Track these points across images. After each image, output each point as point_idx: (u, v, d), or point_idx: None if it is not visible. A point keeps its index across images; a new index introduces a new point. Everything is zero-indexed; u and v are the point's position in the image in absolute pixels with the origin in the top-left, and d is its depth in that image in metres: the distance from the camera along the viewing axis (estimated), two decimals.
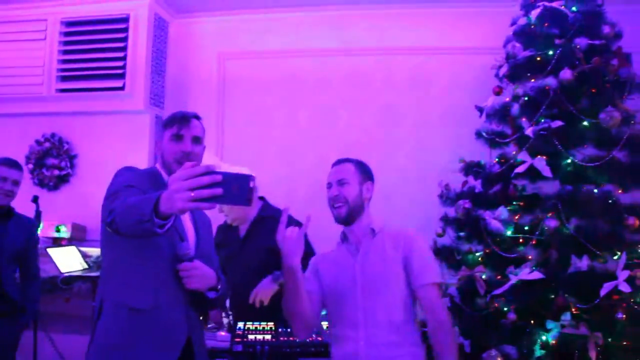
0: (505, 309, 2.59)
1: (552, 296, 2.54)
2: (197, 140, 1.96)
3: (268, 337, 2.44)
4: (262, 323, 2.54)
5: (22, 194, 3.53)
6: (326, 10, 4.13)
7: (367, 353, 1.89)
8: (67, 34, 4.15)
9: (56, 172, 4.13)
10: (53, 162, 4.16)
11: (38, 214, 3.55)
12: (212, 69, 4.34)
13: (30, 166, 4.15)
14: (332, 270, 2.05)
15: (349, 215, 2.01)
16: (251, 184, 1.26)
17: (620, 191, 2.70)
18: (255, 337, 2.42)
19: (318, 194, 3.86)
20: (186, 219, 1.95)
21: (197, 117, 1.99)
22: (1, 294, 2.89)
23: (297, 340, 2.40)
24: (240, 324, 2.55)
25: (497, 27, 3.32)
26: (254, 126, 4.22)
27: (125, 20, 4.04)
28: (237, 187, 1.25)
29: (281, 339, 2.44)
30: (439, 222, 3.31)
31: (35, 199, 3.57)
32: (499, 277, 2.74)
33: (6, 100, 4.22)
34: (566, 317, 2.43)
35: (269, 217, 2.82)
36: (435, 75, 4.01)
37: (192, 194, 1.24)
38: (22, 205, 3.45)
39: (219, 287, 1.90)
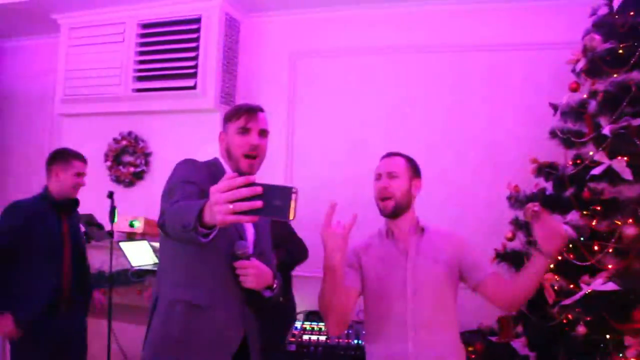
0: (576, 321, 2.41)
1: (631, 310, 2.33)
2: (264, 133, 1.94)
3: (323, 338, 2.41)
4: (318, 323, 2.52)
5: (100, 190, 3.72)
6: (397, 7, 4.04)
7: (416, 353, 1.85)
8: (143, 35, 4.32)
9: (132, 169, 4.32)
10: (129, 160, 4.35)
11: (113, 209, 3.71)
12: (282, 67, 4.36)
13: (109, 163, 4.36)
14: (378, 266, 1.99)
15: (395, 209, 1.97)
16: (293, 197, 1.20)
17: None
18: (310, 338, 2.40)
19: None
20: None
21: (262, 110, 1.98)
22: (82, 283, 3.05)
23: (353, 343, 2.36)
24: (298, 324, 2.54)
25: (575, 19, 3.11)
26: (324, 125, 4.20)
27: (198, 20, 4.13)
28: (278, 200, 1.20)
29: (336, 340, 2.40)
30: (509, 226, 3.15)
31: (110, 195, 3.72)
32: (571, 285, 2.55)
33: (87, 100, 4.46)
34: None
35: None
36: (508, 72, 3.82)
37: (231, 207, 1.19)
38: (98, 200, 3.64)
39: (275, 285, 1.89)
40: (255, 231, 1.95)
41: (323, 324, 2.57)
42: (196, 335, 1.77)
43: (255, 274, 1.79)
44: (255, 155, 1.90)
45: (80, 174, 3.01)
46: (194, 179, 1.76)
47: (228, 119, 1.95)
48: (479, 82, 3.89)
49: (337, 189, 3.88)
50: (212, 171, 1.88)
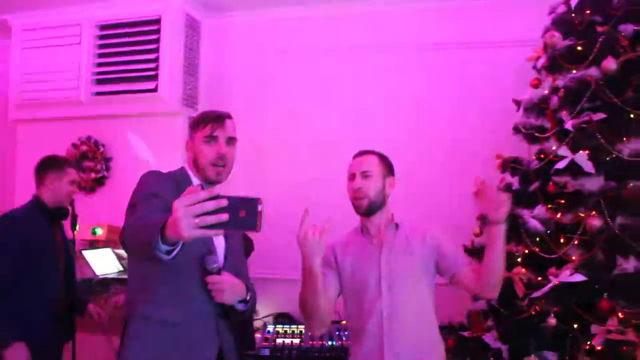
0: (546, 312, 2.46)
1: (597, 299, 2.39)
2: (232, 141, 1.92)
3: (297, 341, 2.39)
4: (292, 326, 2.50)
5: None
6: (358, 6, 4.05)
7: (392, 350, 1.87)
8: (100, 37, 4.21)
9: (92, 174, 4.19)
10: (89, 165, 4.22)
11: (74, 216, 3.60)
12: (246, 67, 4.31)
13: None
14: (354, 263, 2.01)
15: (369, 208, 1.99)
16: (259, 208, 1.18)
17: None
18: (284, 342, 2.37)
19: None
20: None
21: (230, 117, 1.95)
22: (73, 295, 2.95)
23: (327, 345, 2.35)
24: (270, 327, 2.51)
25: (533, 17, 3.17)
26: (290, 125, 4.16)
27: (157, 21, 4.05)
28: (244, 212, 1.17)
29: (310, 343, 2.38)
30: (476, 221, 3.19)
31: (71, 202, 3.60)
32: (539, 278, 2.60)
33: (43, 105, 4.31)
34: (612, 322, 2.28)
35: None
36: (470, 70, 3.87)
37: (197, 221, 1.16)
38: None
39: (249, 298, 1.87)
40: (226, 243, 1.92)
41: (295, 326, 2.54)
42: (172, 353, 1.74)
43: (227, 288, 1.77)
44: (223, 164, 1.88)
45: (74, 182, 2.93)
46: (158, 191, 1.71)
47: (194, 126, 1.92)
48: (440, 80, 3.93)
49: (307, 190, 3.86)
50: (178, 182, 1.84)
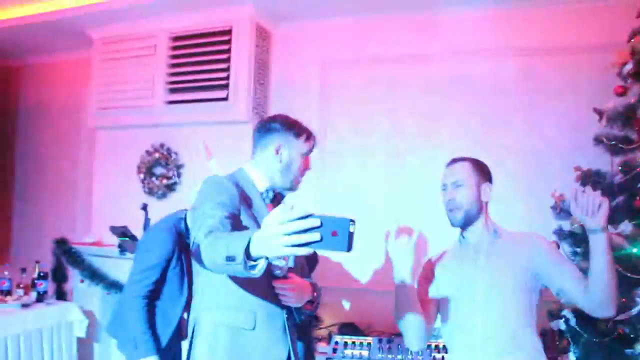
0: (633, 337, 2.30)
1: None
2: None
3: (365, 352, 2.35)
4: (359, 337, 2.46)
5: (133, 202, 3.72)
6: (429, 14, 3.96)
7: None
8: (174, 47, 4.33)
9: (164, 181, 4.31)
10: (161, 172, 4.35)
11: (147, 221, 3.71)
12: (313, 76, 4.31)
13: (141, 175, 4.37)
14: (450, 274, 1.93)
15: (465, 219, 1.89)
16: (351, 229, 1.17)
17: None
18: (352, 353, 2.33)
19: (424, 200, 3.77)
20: None
21: None
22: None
23: (396, 358, 2.30)
24: (338, 338, 2.48)
25: (617, 21, 3.01)
26: (357, 133, 4.14)
27: (229, 32, 4.12)
28: (336, 232, 1.16)
29: (378, 356, 2.33)
30: (552, 236, 3.04)
31: (144, 207, 3.73)
32: (623, 300, 2.44)
33: (120, 113, 4.49)
34: None
35: None
36: (546, 77, 3.68)
37: (289, 239, 1.17)
38: (132, 212, 3.64)
39: (316, 296, 1.90)
40: None
41: (363, 338, 2.50)
42: (242, 358, 1.76)
43: (295, 291, 1.80)
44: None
45: None
46: (223, 200, 1.73)
47: (297, 134, 1.96)
48: (515, 88, 3.77)
49: (371, 197, 3.83)
50: (239, 185, 1.86)
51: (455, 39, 3.92)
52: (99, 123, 4.65)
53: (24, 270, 3.95)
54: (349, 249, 1.17)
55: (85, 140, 5.00)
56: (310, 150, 1.98)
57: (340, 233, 1.16)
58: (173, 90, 4.30)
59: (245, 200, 1.82)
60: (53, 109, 5.32)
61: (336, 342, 2.44)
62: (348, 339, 2.47)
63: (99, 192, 4.56)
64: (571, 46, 3.61)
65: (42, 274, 3.86)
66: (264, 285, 1.78)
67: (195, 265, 1.91)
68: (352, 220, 1.17)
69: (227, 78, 4.10)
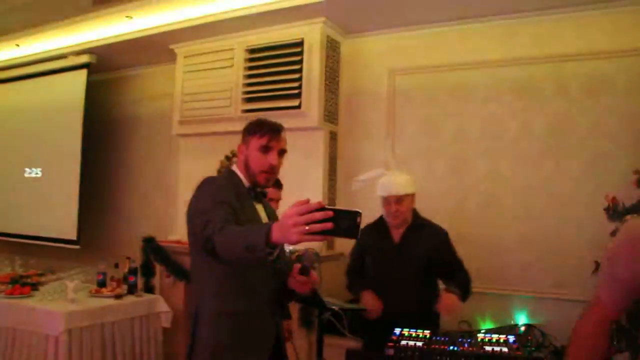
0: None
1: None
2: (283, 152, 2.06)
3: (420, 344, 2.43)
4: (418, 330, 2.55)
5: None
6: (493, 21, 4.03)
7: None
8: (250, 60, 4.61)
9: None
10: None
11: None
12: (381, 84, 4.48)
13: None
14: None
15: None
16: (358, 220, 1.38)
17: None
18: (408, 343, 2.43)
19: (488, 205, 3.82)
20: None
21: (284, 129, 2.09)
22: None
23: (448, 349, 2.38)
24: (397, 330, 2.58)
25: None
26: (423, 138, 4.28)
27: (300, 44, 4.35)
28: (346, 222, 1.38)
29: (432, 347, 2.42)
30: (609, 237, 3.03)
31: None
32: None
33: (201, 121, 4.85)
34: None
35: (423, 224, 2.94)
36: (610, 80, 3.66)
37: (307, 228, 1.37)
38: None
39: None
40: None
41: (420, 330, 2.59)
42: (245, 339, 1.94)
43: (311, 286, 2.03)
44: (273, 173, 2.04)
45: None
46: (224, 198, 1.86)
47: (250, 132, 2.04)
48: (579, 91, 3.77)
49: (437, 201, 3.93)
50: (233, 184, 2.00)
51: (521, 45, 3.96)
52: (182, 131, 5.04)
53: (117, 265, 4.31)
54: (356, 236, 1.38)
55: (171, 146, 5.40)
56: (267, 146, 1.97)
57: (350, 223, 1.38)
58: (249, 100, 4.58)
59: (238, 197, 1.96)
60: (142, 118, 5.80)
61: (395, 334, 2.56)
62: (406, 331, 2.58)
63: (183, 194, 4.90)
64: (636, 48, 3.56)
65: (132, 269, 4.14)
66: (257, 271, 1.95)
67: (193, 256, 2.03)
68: (359, 213, 1.38)
69: (300, 87, 4.32)
